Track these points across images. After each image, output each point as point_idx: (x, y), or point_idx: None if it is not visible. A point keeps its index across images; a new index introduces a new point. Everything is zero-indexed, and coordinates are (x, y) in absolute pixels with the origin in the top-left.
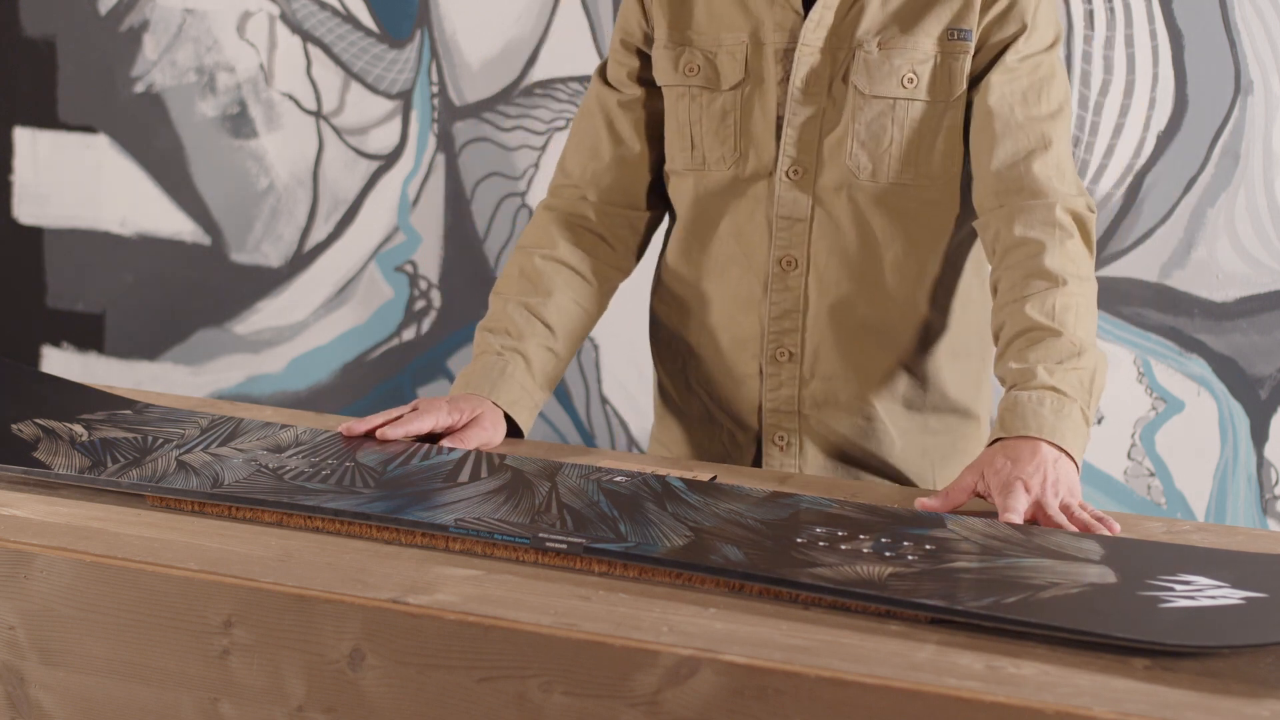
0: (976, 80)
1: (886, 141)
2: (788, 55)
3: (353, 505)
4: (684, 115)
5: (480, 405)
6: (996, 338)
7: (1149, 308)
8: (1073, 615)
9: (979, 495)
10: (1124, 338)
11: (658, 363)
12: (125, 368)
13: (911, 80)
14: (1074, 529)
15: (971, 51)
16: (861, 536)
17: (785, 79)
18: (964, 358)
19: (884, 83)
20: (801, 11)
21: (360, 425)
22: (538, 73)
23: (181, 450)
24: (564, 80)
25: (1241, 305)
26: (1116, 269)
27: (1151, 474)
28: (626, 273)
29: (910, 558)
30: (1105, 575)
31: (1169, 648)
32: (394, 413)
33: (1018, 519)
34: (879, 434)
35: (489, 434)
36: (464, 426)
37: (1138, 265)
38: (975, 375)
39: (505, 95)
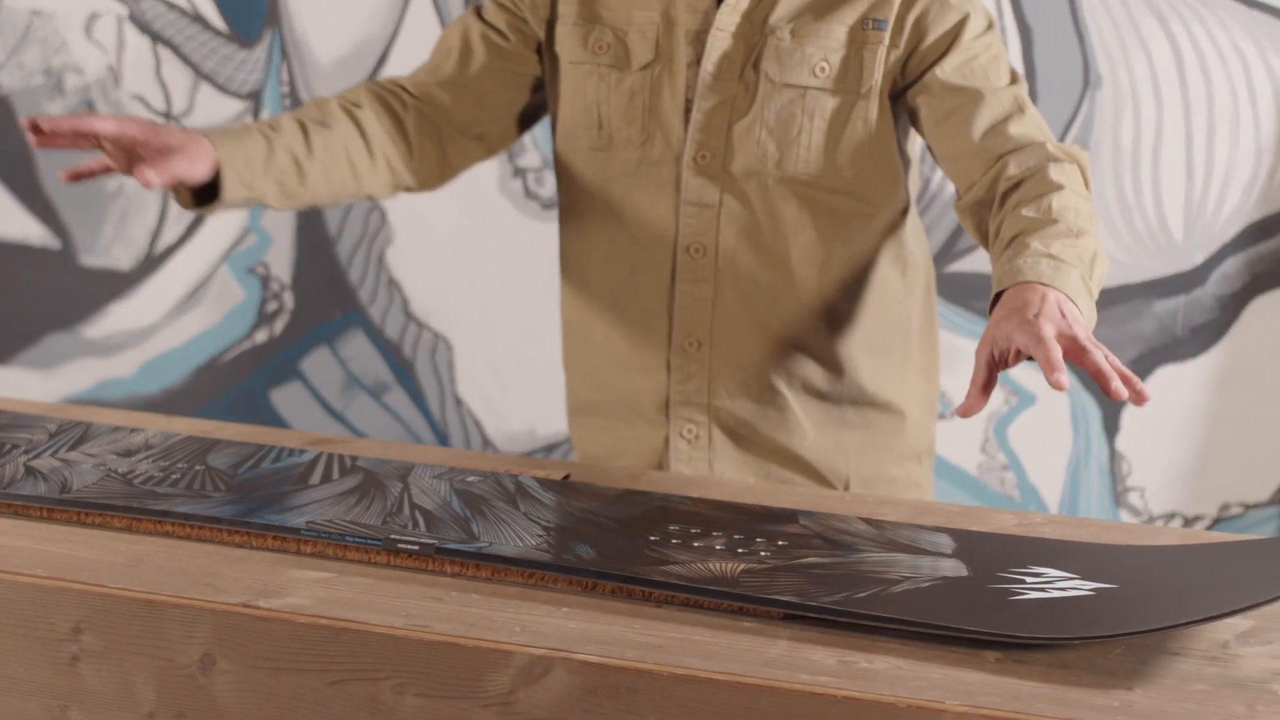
0: (920, 75)
1: (795, 131)
2: (699, 38)
3: (203, 509)
4: (591, 93)
5: (192, 140)
6: (987, 237)
7: None
8: (924, 609)
9: (1003, 366)
10: (976, 332)
11: (566, 361)
12: None
13: (823, 69)
14: (1112, 370)
15: (885, 42)
16: (714, 534)
17: (696, 62)
18: (883, 354)
19: (795, 71)
20: None
21: (46, 122)
22: (389, 71)
23: (29, 456)
24: None
25: None
26: (968, 264)
27: (1005, 467)
28: (415, 184)
29: (763, 554)
30: (957, 569)
31: (1020, 640)
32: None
33: (1062, 373)
34: (790, 425)
35: (185, 166)
36: (163, 154)
37: (989, 260)
38: (897, 372)
39: None
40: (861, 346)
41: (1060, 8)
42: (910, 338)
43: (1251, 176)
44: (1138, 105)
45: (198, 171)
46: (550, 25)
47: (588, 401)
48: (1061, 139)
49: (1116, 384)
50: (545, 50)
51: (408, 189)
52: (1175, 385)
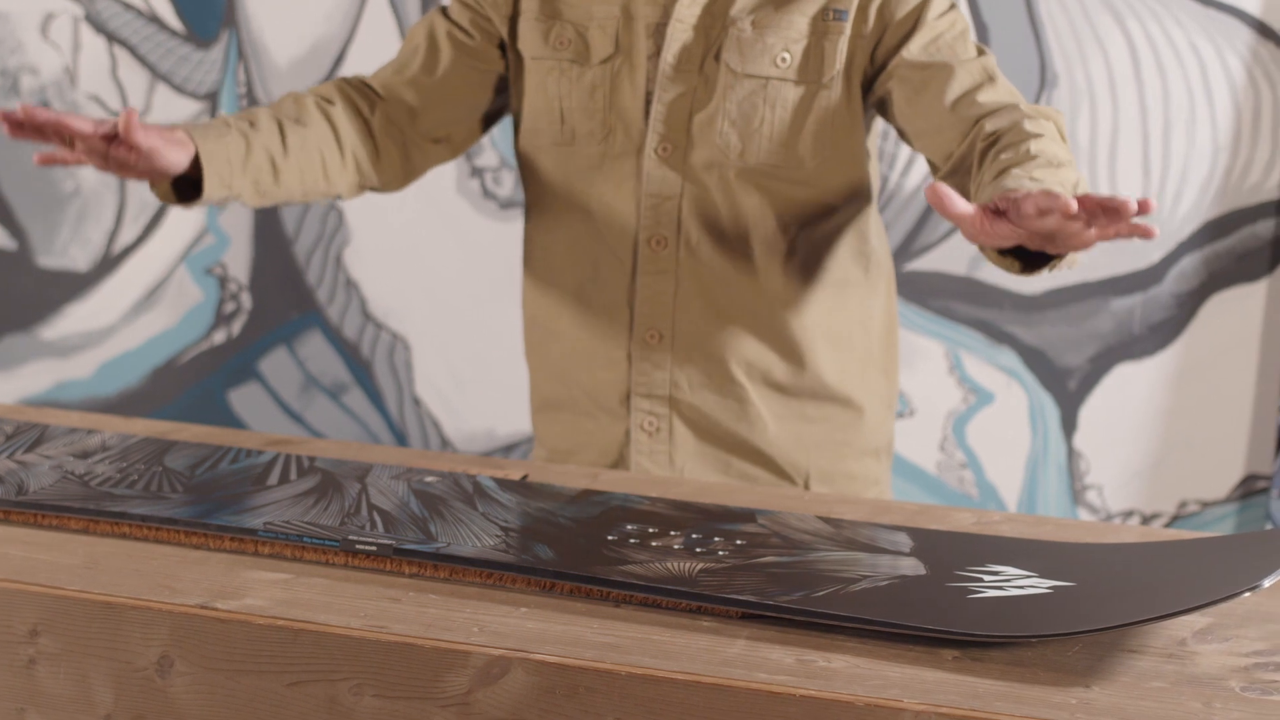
0: (887, 61)
1: (757, 121)
2: (659, 30)
3: (160, 510)
4: (553, 89)
5: (170, 129)
6: (968, 196)
7: (958, 300)
8: (882, 608)
9: (999, 212)
10: (934, 330)
11: (529, 357)
12: None
13: (785, 60)
14: (1109, 198)
15: (847, 33)
16: (672, 533)
17: (656, 54)
18: (845, 347)
19: (756, 61)
20: None
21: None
22: (345, 72)
23: None
24: None
25: (1050, 297)
26: (925, 262)
27: (963, 465)
28: (380, 185)
29: (721, 553)
30: (915, 567)
31: (978, 638)
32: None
33: (1069, 200)
34: (751, 417)
35: (163, 144)
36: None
37: (947, 258)
38: (858, 366)
39: None
40: (822, 340)
41: (1016, 6)
42: (871, 334)
43: (1208, 174)
44: (1094, 104)
45: (175, 157)
46: (513, 22)
47: (551, 396)
48: None
49: (1125, 204)
50: (509, 47)
51: (373, 189)
52: (1132, 383)
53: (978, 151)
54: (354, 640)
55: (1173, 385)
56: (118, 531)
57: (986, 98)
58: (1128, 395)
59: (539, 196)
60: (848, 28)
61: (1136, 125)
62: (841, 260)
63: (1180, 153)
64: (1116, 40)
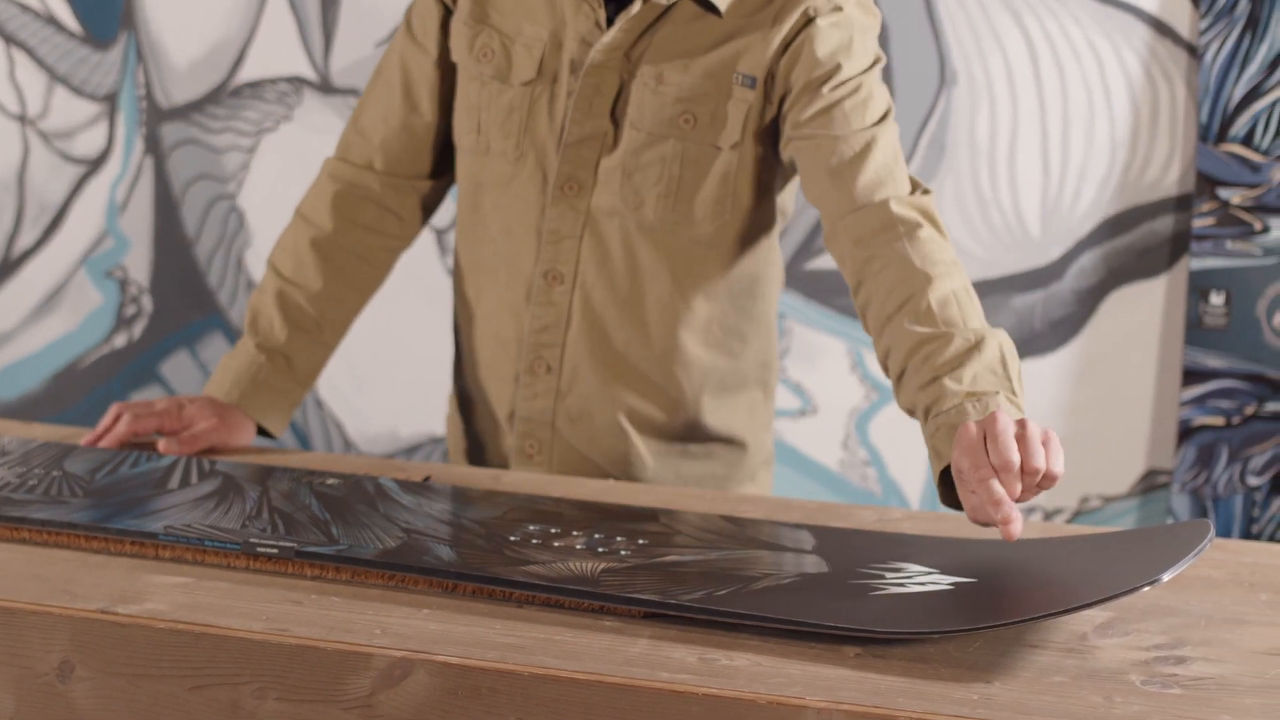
0: (785, 127)
1: (655, 178)
2: (580, 69)
3: (60, 515)
4: (473, 99)
5: (224, 423)
6: (885, 366)
7: None
8: (785, 605)
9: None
10: (837, 329)
11: (455, 351)
12: None
13: (689, 121)
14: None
15: (751, 100)
16: (574, 533)
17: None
18: (732, 396)
19: (658, 119)
20: (603, 25)
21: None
22: (245, 73)
23: None
24: (272, 81)
25: None
26: (827, 261)
27: (866, 463)
28: (412, 239)
29: (623, 553)
30: (817, 565)
31: (880, 635)
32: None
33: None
34: (631, 457)
35: (229, 438)
36: (197, 428)
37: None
38: (744, 409)
39: (214, 96)
40: (715, 392)
41: (915, 5)
42: (766, 371)
43: (1107, 171)
44: (993, 101)
45: (238, 441)
46: (445, 22)
47: (466, 392)
48: (918, 136)
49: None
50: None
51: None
52: (1034, 379)
53: (857, 271)
54: (256, 643)
55: (1074, 381)
56: (17, 537)
57: (863, 180)
58: (1029, 391)
59: (462, 191)
60: (752, 95)
61: (1035, 123)
62: (738, 316)
63: (1079, 150)
64: (1015, 38)
